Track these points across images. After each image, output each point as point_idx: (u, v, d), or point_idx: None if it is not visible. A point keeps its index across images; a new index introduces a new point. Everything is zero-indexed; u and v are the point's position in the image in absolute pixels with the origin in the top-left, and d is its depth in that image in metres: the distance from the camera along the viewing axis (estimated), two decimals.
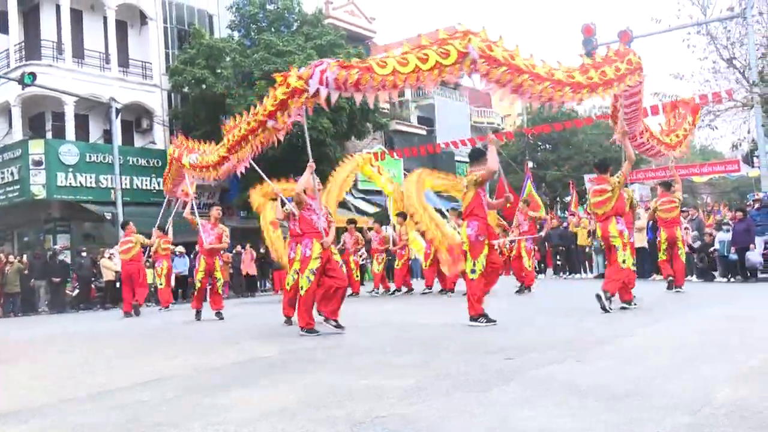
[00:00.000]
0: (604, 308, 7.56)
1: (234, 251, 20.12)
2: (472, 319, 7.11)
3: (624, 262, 7.88)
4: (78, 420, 3.61)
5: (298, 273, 7.57)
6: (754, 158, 22.55)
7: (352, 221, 16.70)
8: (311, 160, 7.42)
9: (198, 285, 10.63)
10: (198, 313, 10.59)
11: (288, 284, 8.41)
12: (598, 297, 7.67)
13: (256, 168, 9.47)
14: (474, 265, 7.17)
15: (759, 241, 13.22)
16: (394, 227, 16.29)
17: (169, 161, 12.08)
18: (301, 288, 7.27)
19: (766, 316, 7.15)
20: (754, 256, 13.07)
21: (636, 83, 8.73)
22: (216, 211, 10.89)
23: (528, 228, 13.11)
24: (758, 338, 5.43)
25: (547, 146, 40.33)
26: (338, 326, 7.22)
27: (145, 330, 9.91)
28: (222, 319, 10.32)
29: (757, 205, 14.35)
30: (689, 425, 2.95)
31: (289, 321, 8.46)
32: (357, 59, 7.72)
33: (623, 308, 7.98)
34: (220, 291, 10.81)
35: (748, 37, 17.84)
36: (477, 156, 7.72)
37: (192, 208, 11.04)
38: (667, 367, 4.30)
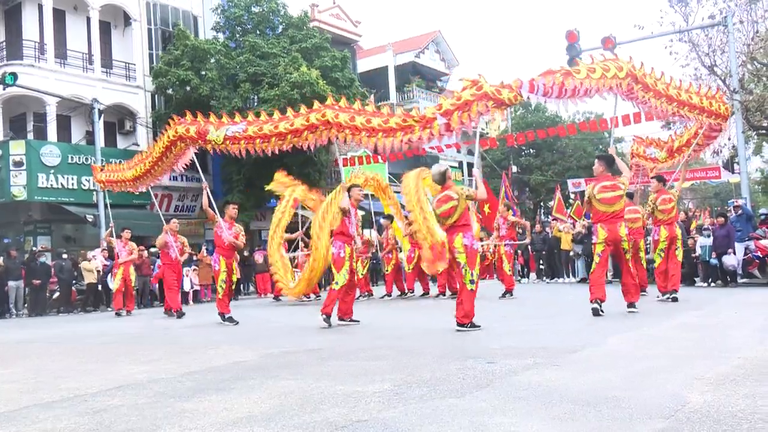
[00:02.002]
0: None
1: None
2: (463, 326, 7.07)
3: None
4: (47, 425, 3.55)
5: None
6: (735, 165, 22.79)
7: (388, 217, 16.85)
8: (344, 181, 9.16)
9: (223, 286, 9.88)
10: (230, 318, 9.76)
11: (340, 283, 8.37)
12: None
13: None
14: (472, 275, 7.12)
15: (739, 246, 13.36)
16: (379, 230, 16.32)
17: (172, 141, 10.89)
18: (336, 283, 8.28)
19: (739, 322, 7.20)
20: (730, 259, 13.21)
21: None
22: (233, 210, 10.58)
23: (507, 232, 13.11)
24: (731, 344, 5.47)
25: (531, 151, 40.51)
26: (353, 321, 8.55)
27: (124, 334, 9.80)
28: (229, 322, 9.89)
29: (739, 211, 14.49)
30: (664, 430, 2.96)
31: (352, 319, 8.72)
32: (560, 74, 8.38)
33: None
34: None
35: (729, 45, 18.07)
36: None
37: (210, 202, 10.32)
38: (641, 372, 4.31)
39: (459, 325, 7.04)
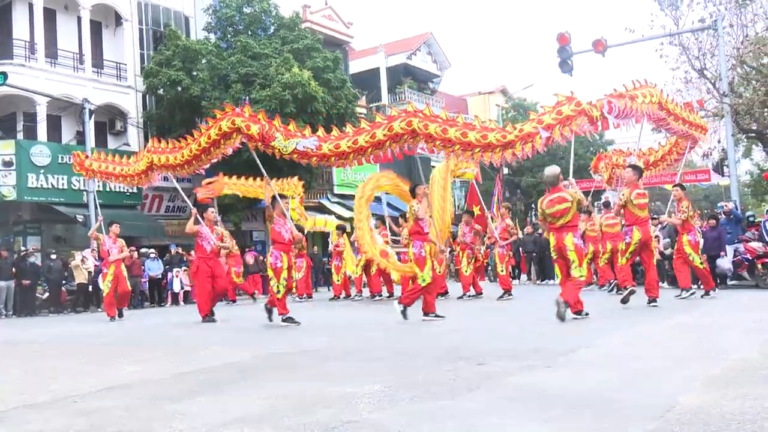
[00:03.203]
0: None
1: None
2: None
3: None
4: (37, 427, 3.53)
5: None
6: (724, 168, 22.94)
7: (341, 227, 17.14)
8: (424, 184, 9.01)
9: (285, 284, 9.20)
10: (290, 318, 9.09)
11: (426, 280, 8.62)
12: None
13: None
14: (580, 270, 8.03)
15: (729, 249, 13.45)
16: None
17: (226, 132, 9.82)
18: (423, 281, 8.52)
19: (728, 324, 7.25)
20: (724, 263, 13.30)
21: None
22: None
23: (500, 234, 13.24)
24: (720, 346, 5.50)
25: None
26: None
27: (116, 335, 9.76)
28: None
29: (729, 214, 14.58)
30: (654, 431, 2.97)
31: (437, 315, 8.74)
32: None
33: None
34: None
35: (719, 49, 18.18)
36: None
37: (274, 195, 9.86)
38: (633, 374, 4.34)
39: (576, 313, 7.84)
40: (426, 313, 8.74)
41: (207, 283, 10.72)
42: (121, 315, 12.90)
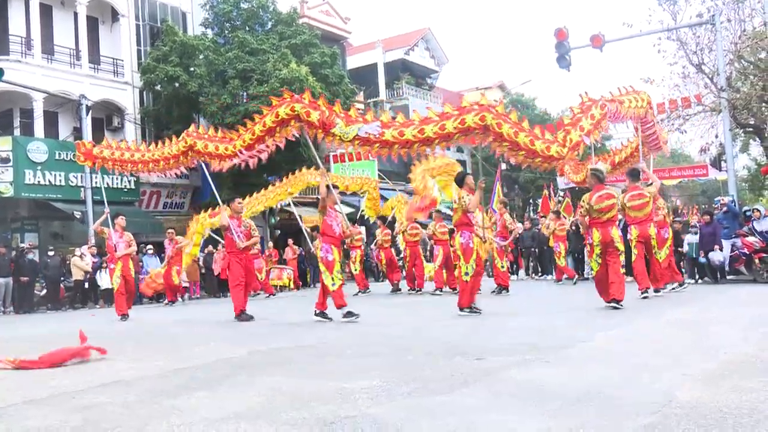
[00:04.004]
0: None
1: (206, 251, 19.96)
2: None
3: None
4: (35, 423, 3.53)
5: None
6: (722, 162, 22.96)
7: (382, 218, 17.68)
8: (482, 178, 8.69)
9: (340, 278, 8.84)
10: (350, 313, 8.69)
11: (470, 273, 8.60)
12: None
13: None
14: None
15: (726, 244, 13.46)
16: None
17: (284, 119, 9.39)
18: (466, 274, 8.47)
19: (725, 319, 7.27)
20: (716, 255, 13.33)
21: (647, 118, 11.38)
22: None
23: (500, 229, 13.33)
24: (717, 340, 5.52)
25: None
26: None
27: (114, 331, 9.75)
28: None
29: (724, 209, 14.61)
30: (651, 425, 2.98)
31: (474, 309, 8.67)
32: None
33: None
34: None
35: (717, 44, 18.18)
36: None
37: (329, 187, 9.37)
38: (630, 369, 4.35)
39: (615, 302, 8.33)
40: (462, 308, 8.59)
41: (241, 279, 10.09)
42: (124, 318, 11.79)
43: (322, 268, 8.79)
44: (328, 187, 9.08)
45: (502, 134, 8.48)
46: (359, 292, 15.36)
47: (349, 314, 8.54)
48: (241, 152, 9.98)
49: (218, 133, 10.76)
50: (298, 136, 9.81)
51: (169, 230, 17.04)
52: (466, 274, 8.50)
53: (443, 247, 14.26)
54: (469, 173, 9.31)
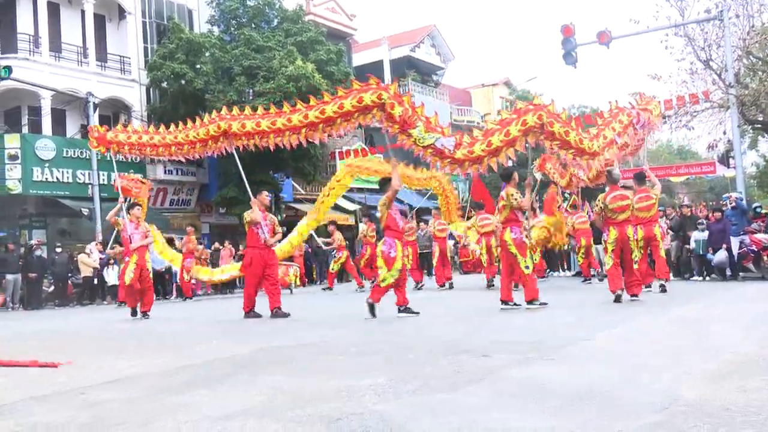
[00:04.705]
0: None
1: (212, 248, 20.02)
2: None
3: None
4: (41, 419, 3.55)
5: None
6: (730, 159, 22.84)
7: (333, 222, 17.53)
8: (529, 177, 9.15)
9: (396, 275, 8.39)
10: (408, 309, 8.49)
11: (530, 267, 8.72)
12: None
13: None
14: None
15: (734, 240, 13.37)
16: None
17: (369, 106, 8.86)
18: (527, 268, 8.53)
19: (729, 317, 7.23)
20: (720, 255, 13.23)
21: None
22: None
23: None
24: (722, 339, 5.49)
25: (527, 144, 40.54)
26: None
27: (118, 328, 9.79)
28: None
29: (732, 205, 14.52)
30: (658, 423, 2.97)
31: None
32: None
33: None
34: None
35: (725, 39, 18.07)
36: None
37: (396, 177, 9.16)
38: (634, 367, 4.33)
39: (633, 296, 8.83)
40: (532, 301, 8.51)
41: (257, 277, 9.67)
42: (146, 316, 10.92)
43: (380, 262, 8.44)
44: (385, 179, 8.92)
45: (554, 132, 8.63)
46: (419, 285, 15.09)
47: (408, 310, 8.37)
48: (296, 127, 9.39)
49: (251, 111, 10.22)
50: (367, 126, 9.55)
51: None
52: (527, 267, 8.51)
53: (440, 244, 14.61)
54: (515, 168, 9.20)
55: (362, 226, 16.38)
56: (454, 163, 8.84)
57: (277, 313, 9.35)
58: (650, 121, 10.91)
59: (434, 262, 14.89)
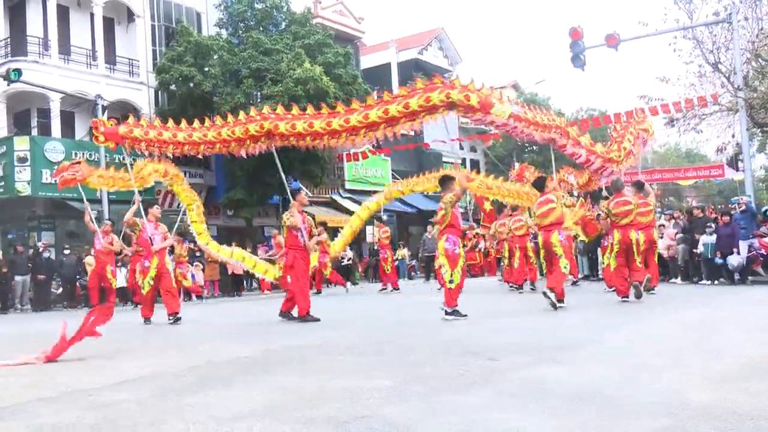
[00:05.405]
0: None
1: None
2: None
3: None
4: (50, 420, 3.56)
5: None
6: (739, 162, 22.72)
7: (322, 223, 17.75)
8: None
9: (460, 274, 8.32)
10: (457, 311, 8.27)
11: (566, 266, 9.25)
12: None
13: None
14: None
15: (743, 244, 13.28)
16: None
17: (436, 105, 8.71)
18: (565, 267, 9.06)
19: (737, 320, 7.20)
20: (734, 259, 13.12)
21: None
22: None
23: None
24: (729, 342, 5.48)
25: (534, 148, 40.43)
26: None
27: (126, 329, 9.80)
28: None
29: (742, 208, 14.43)
30: (669, 427, 2.95)
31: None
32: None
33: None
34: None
35: (734, 42, 17.98)
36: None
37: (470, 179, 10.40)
38: (641, 369, 4.32)
39: (648, 289, 9.46)
40: (561, 300, 8.89)
41: (306, 278, 9.39)
42: (178, 320, 9.91)
43: (444, 261, 8.35)
44: (448, 178, 9.01)
45: (579, 142, 10.34)
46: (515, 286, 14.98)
47: (456, 313, 8.14)
48: (355, 128, 9.10)
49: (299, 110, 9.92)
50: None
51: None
52: (566, 267, 9.14)
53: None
54: (546, 176, 10.33)
55: (374, 230, 16.38)
56: (530, 125, 9.20)
57: (308, 317, 9.03)
58: (645, 140, 12.87)
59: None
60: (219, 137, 10.09)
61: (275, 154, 10.05)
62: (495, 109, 8.62)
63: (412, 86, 8.87)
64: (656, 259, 11.68)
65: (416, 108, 8.67)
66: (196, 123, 10.55)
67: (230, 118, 10.22)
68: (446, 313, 8.15)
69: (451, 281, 8.17)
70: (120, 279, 17.40)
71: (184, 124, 10.66)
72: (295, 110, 9.78)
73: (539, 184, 9.86)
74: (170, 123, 10.86)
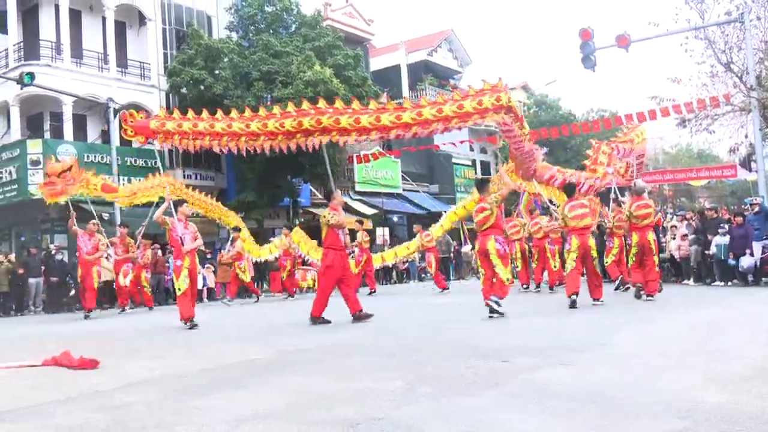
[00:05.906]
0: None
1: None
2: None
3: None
4: (61, 421, 3.58)
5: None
6: (752, 163, 22.54)
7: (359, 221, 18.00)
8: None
9: (514, 272, 8.88)
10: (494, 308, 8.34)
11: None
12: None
13: None
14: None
15: (757, 245, 13.16)
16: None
17: (487, 109, 8.80)
18: (565, 270, 9.59)
19: (748, 322, 7.14)
20: (746, 261, 13.00)
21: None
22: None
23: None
24: (740, 344, 5.43)
25: (544, 149, 40.32)
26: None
27: (136, 331, 9.85)
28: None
29: (755, 209, 14.29)
30: (683, 430, 2.93)
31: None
32: None
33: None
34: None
35: (746, 42, 17.85)
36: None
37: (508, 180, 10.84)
38: (652, 371, 4.29)
39: (649, 295, 9.78)
40: (597, 299, 9.49)
41: (336, 280, 8.94)
42: (194, 324, 9.39)
43: (496, 261, 8.47)
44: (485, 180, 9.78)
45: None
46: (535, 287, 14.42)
47: (498, 304, 8.28)
48: (407, 125, 8.92)
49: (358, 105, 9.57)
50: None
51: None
52: (566, 269, 9.92)
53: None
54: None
55: (358, 234, 16.40)
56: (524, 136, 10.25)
57: (359, 315, 8.82)
58: (633, 149, 13.77)
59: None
60: (264, 129, 9.34)
61: (326, 156, 10.68)
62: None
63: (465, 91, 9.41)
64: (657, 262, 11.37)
65: (470, 110, 8.76)
66: (234, 113, 9.90)
67: (276, 109, 9.70)
68: (496, 304, 8.23)
69: (507, 279, 8.60)
70: (123, 279, 17.46)
71: (220, 114, 9.89)
72: (338, 104, 9.36)
73: (481, 186, 9.32)
74: (204, 114, 10.04)
